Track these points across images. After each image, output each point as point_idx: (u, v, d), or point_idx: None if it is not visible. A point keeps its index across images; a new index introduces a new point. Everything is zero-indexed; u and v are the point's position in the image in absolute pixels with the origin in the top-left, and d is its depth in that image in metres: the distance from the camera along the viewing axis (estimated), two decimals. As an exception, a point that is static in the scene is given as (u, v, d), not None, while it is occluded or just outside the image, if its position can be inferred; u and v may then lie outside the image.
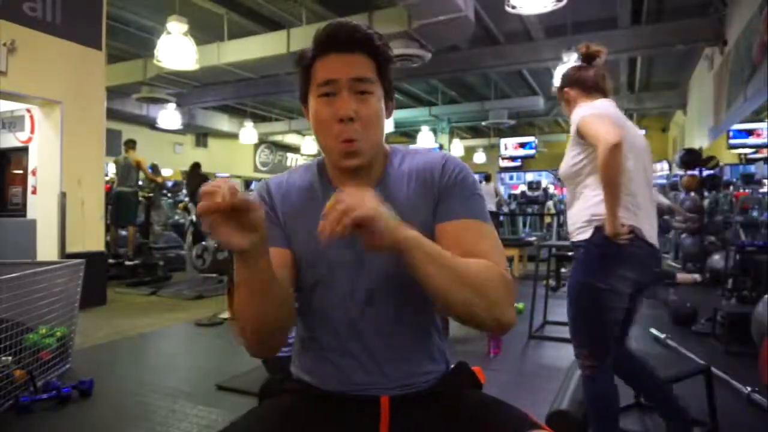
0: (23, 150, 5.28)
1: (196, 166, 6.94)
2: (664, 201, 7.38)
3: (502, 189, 16.88)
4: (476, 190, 0.92)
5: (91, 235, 4.99)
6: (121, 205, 6.55)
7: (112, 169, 7.22)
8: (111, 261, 6.30)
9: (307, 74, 0.90)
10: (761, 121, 10.56)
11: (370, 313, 0.89)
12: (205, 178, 6.88)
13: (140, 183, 6.99)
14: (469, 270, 0.78)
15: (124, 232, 6.89)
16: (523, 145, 15.01)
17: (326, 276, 0.90)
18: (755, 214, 7.25)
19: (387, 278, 0.88)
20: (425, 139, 13.63)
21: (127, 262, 6.49)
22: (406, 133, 15.39)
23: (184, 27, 5.61)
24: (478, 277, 0.78)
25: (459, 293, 0.77)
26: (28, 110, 5.10)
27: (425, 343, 0.93)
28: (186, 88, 8.80)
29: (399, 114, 11.81)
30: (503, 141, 15.16)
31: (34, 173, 5.04)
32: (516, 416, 0.83)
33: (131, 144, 6.75)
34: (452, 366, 0.99)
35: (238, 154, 14.93)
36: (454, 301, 0.78)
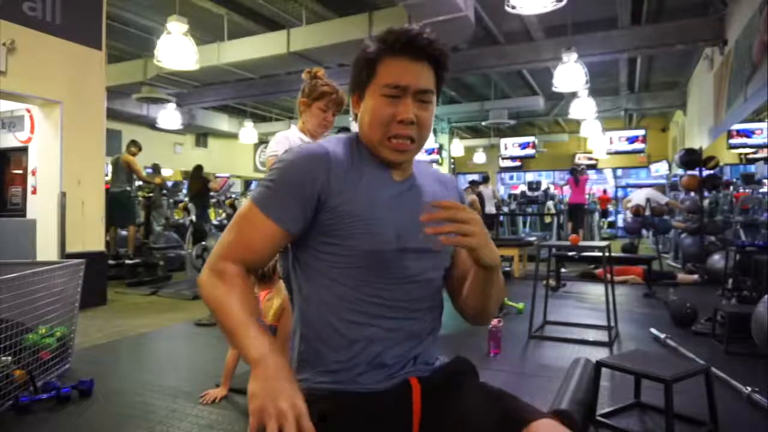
0: (23, 150, 5.28)
1: (198, 169, 6.94)
2: (662, 199, 7.39)
3: (501, 189, 16.90)
4: None
5: (91, 235, 4.99)
6: (112, 206, 6.51)
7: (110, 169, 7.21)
8: (111, 261, 6.29)
9: (370, 69, 0.94)
10: (761, 121, 10.57)
11: (405, 294, 0.95)
12: (206, 180, 6.88)
13: (137, 183, 6.98)
14: (501, 287, 0.98)
15: (124, 232, 6.88)
16: (523, 145, 15.01)
17: (386, 249, 0.93)
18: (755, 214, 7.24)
19: (435, 268, 1.00)
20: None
21: (127, 262, 6.49)
22: (406, 133, 15.36)
23: (184, 27, 5.61)
24: (502, 292, 0.99)
25: (495, 307, 1.00)
26: (28, 110, 5.09)
27: (437, 328, 1.04)
28: (186, 88, 8.81)
29: (399, 114, 11.79)
30: (503, 141, 15.16)
31: (33, 173, 5.04)
32: (525, 405, 0.88)
33: (131, 145, 6.72)
34: (452, 358, 1.06)
35: (238, 154, 14.94)
36: (490, 313, 1.01)
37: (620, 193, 16.27)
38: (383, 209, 0.94)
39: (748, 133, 10.94)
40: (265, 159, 2.20)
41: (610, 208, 14.96)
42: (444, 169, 13.80)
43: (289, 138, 2.18)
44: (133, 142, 6.76)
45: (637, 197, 7.64)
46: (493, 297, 0.96)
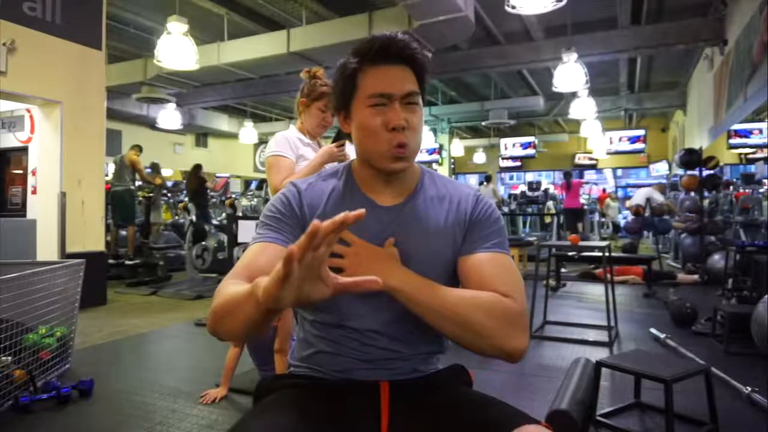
0: (23, 150, 5.28)
1: (196, 168, 6.95)
2: (659, 199, 7.38)
3: (501, 189, 16.91)
4: (500, 224, 0.99)
5: (91, 235, 4.99)
6: (115, 204, 6.57)
7: (112, 168, 7.23)
8: (111, 261, 6.30)
9: (351, 84, 0.94)
10: (761, 121, 10.57)
11: (383, 306, 0.92)
12: (203, 180, 6.89)
13: (138, 183, 7.00)
14: (456, 308, 0.85)
15: (124, 232, 6.89)
16: (524, 145, 15.01)
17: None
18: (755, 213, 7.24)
19: (410, 266, 0.94)
20: (425, 139, 13.62)
21: (127, 262, 6.50)
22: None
23: (184, 27, 5.61)
24: (463, 314, 0.85)
25: (445, 328, 0.86)
26: (28, 110, 5.09)
27: (429, 333, 0.96)
28: (186, 88, 8.81)
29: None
30: (503, 141, 15.17)
31: (33, 173, 5.04)
32: (514, 412, 0.85)
33: (134, 147, 6.79)
34: (449, 366, 1.02)
35: (238, 154, 14.94)
36: (442, 332, 0.89)
37: (620, 193, 16.28)
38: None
39: (746, 134, 10.95)
40: (265, 159, 2.19)
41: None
42: (444, 170, 13.80)
43: (288, 138, 2.18)
44: (137, 146, 6.84)
45: (638, 197, 7.64)
46: (432, 322, 0.86)
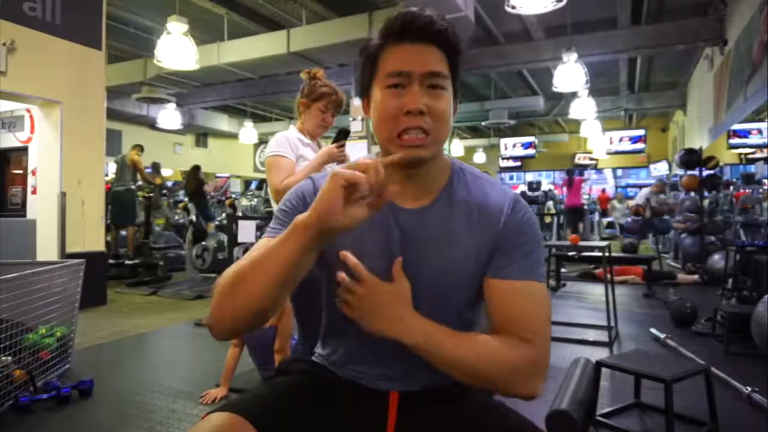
0: (23, 150, 5.28)
1: (195, 169, 6.96)
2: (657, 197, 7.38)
3: (502, 189, 16.89)
4: (538, 241, 0.88)
5: (91, 235, 4.99)
6: (115, 204, 6.58)
7: (112, 168, 7.24)
8: (111, 261, 6.30)
9: (372, 64, 0.85)
10: (761, 121, 10.57)
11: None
12: (201, 182, 6.90)
13: (139, 183, 7.01)
14: (477, 365, 0.79)
15: (124, 232, 6.89)
16: (525, 145, 15.02)
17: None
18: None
19: (432, 288, 0.86)
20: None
21: (127, 262, 6.50)
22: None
23: (184, 27, 5.61)
24: (483, 372, 0.79)
25: (461, 379, 0.81)
26: (28, 110, 5.09)
27: None
28: (186, 88, 8.81)
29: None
30: (503, 141, 15.17)
31: (33, 173, 5.04)
32: (516, 420, 0.84)
33: (136, 147, 6.81)
34: None
35: (238, 154, 14.94)
36: (474, 382, 0.82)
37: (620, 192, 16.29)
38: (375, 252, 0.85)
39: (744, 134, 10.95)
40: (265, 159, 2.20)
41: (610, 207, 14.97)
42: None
43: (288, 138, 2.18)
44: (138, 146, 6.86)
45: (638, 198, 7.65)
46: (447, 372, 0.80)
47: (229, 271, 0.79)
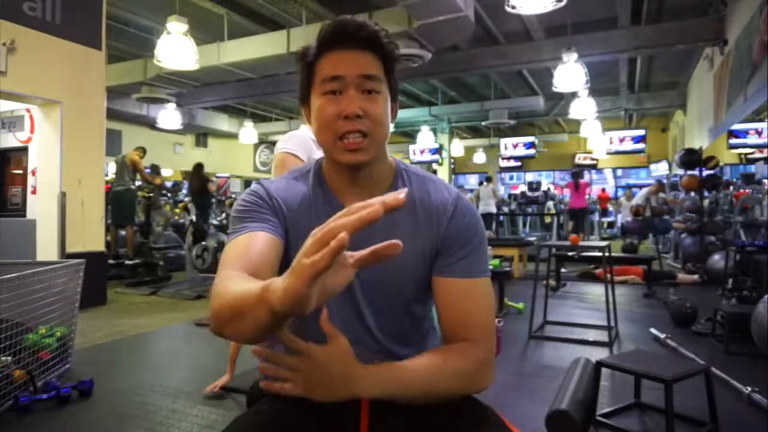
0: (23, 150, 5.28)
1: (198, 167, 6.95)
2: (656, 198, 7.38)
3: (501, 189, 16.91)
4: (481, 240, 0.89)
5: (91, 235, 4.99)
6: (114, 204, 6.58)
7: (112, 168, 7.24)
8: (111, 261, 6.30)
9: (309, 71, 0.87)
10: (761, 121, 10.57)
11: (359, 318, 0.88)
12: (205, 180, 6.89)
13: (138, 183, 7.01)
14: (428, 386, 0.80)
15: (123, 232, 6.89)
16: (527, 145, 15.01)
17: None
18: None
19: (378, 287, 0.87)
20: (425, 139, 13.63)
21: (127, 262, 6.49)
22: (406, 132, 15.40)
23: (184, 27, 5.62)
24: (436, 390, 0.81)
25: (419, 402, 0.81)
26: (28, 110, 5.09)
27: (415, 345, 0.93)
28: (186, 88, 8.80)
29: (399, 114, 11.76)
30: (503, 141, 15.17)
31: (33, 173, 5.04)
32: (487, 416, 0.85)
33: (138, 149, 6.83)
34: None
35: (238, 154, 14.94)
36: (425, 403, 0.82)
37: (620, 192, 16.28)
38: None
39: (742, 134, 10.95)
40: (276, 153, 2.15)
41: (611, 207, 14.99)
42: (444, 170, 13.80)
43: (305, 140, 2.14)
44: (141, 148, 6.88)
45: (638, 197, 7.65)
46: (418, 401, 0.81)
47: (218, 300, 0.73)
